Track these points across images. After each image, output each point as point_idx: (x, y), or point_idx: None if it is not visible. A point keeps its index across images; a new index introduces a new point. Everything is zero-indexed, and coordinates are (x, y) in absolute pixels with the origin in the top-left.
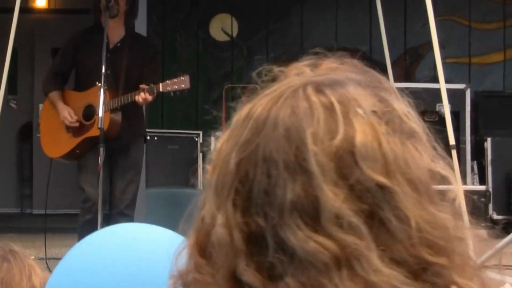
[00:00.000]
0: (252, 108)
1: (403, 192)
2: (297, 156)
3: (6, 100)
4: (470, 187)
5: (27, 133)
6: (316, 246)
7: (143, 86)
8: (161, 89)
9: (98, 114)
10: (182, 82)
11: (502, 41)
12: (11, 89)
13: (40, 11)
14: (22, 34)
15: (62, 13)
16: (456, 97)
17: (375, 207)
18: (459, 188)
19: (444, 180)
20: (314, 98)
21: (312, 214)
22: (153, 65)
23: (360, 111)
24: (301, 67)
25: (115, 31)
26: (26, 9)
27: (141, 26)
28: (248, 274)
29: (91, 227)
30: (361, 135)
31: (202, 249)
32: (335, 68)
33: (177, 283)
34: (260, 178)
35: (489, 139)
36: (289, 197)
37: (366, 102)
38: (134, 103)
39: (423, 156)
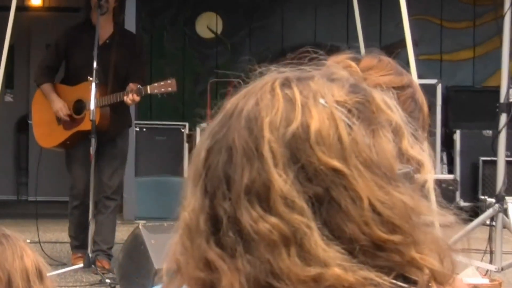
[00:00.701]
0: (226, 104)
1: (358, 174)
2: (254, 143)
3: (3, 94)
4: (439, 176)
5: (23, 125)
6: (267, 225)
7: (131, 86)
8: (148, 91)
9: (89, 109)
10: (169, 86)
11: (472, 40)
12: (8, 83)
13: (36, 9)
14: (19, 31)
15: (56, 11)
16: (427, 92)
17: (328, 189)
18: (431, 174)
19: (419, 164)
20: (278, 90)
21: (264, 197)
22: (139, 61)
23: (322, 101)
24: (281, 67)
25: (104, 29)
26: (22, 7)
27: (130, 23)
28: (210, 253)
29: (79, 212)
30: (317, 123)
31: (184, 232)
32: (317, 65)
33: (171, 264)
34: (222, 164)
35: (458, 131)
36: (245, 181)
37: (331, 93)
38: (122, 101)
39: (391, 142)
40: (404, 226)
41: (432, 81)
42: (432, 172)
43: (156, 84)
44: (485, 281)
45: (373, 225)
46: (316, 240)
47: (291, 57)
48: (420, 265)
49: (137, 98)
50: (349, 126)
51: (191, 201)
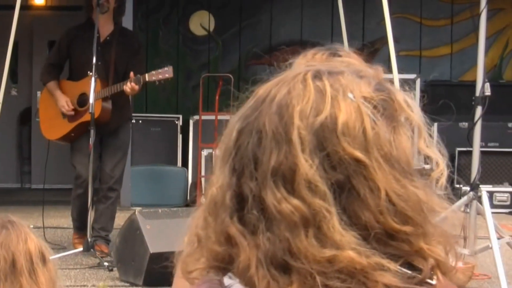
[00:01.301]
0: (258, 90)
1: (378, 166)
2: (284, 128)
3: (8, 88)
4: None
5: (26, 118)
6: (289, 206)
7: (131, 75)
8: (147, 79)
9: (98, 101)
10: (166, 72)
11: (449, 37)
12: (12, 78)
13: (38, 8)
14: (22, 29)
15: (58, 10)
16: (407, 86)
17: (349, 177)
18: (444, 170)
19: (432, 162)
20: (310, 81)
21: (289, 179)
22: (138, 57)
23: (350, 95)
24: (310, 58)
25: (105, 27)
26: (26, 6)
27: (127, 22)
28: (232, 228)
29: (81, 200)
30: (345, 115)
31: (209, 207)
32: (345, 60)
33: (192, 237)
34: (252, 146)
35: (435, 124)
36: (272, 163)
37: (359, 89)
38: (122, 92)
39: (409, 140)
40: (416, 218)
41: (412, 76)
42: (446, 171)
43: (154, 72)
44: (459, 264)
45: (387, 215)
46: (334, 224)
47: (282, 51)
48: (426, 255)
49: (135, 87)
50: (374, 121)
51: (219, 178)
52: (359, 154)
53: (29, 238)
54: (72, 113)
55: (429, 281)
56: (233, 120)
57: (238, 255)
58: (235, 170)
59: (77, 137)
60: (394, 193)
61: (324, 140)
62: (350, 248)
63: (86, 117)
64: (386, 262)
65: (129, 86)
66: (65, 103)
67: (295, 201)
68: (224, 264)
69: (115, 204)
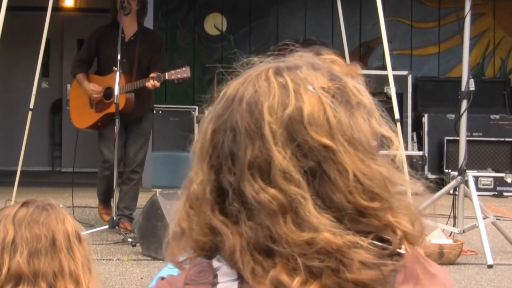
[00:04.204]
0: (226, 90)
1: (344, 150)
2: (256, 124)
3: (40, 81)
4: (410, 152)
5: (57, 107)
6: (267, 196)
7: (152, 74)
8: (167, 78)
9: (123, 94)
10: (184, 72)
11: (437, 37)
12: (44, 72)
13: (68, 9)
14: (54, 28)
15: (86, 11)
16: (400, 81)
17: (319, 163)
18: (401, 148)
19: (387, 139)
20: (272, 78)
21: (265, 170)
22: (160, 54)
23: (310, 87)
24: (267, 58)
25: (129, 27)
26: (57, 8)
27: (148, 22)
28: (214, 220)
29: (107, 181)
30: (309, 106)
31: (191, 203)
32: (299, 56)
33: (175, 228)
34: (228, 143)
35: (426, 115)
36: (248, 157)
37: (316, 81)
38: (145, 87)
39: (367, 122)
40: (382, 194)
41: (404, 73)
42: (400, 147)
43: (173, 71)
44: (449, 241)
45: (356, 194)
46: (310, 209)
47: (273, 49)
48: (394, 227)
49: (157, 84)
50: (334, 109)
51: (198, 175)
52: (326, 141)
53: (66, 220)
54: (100, 98)
55: (399, 251)
56: (206, 120)
57: (223, 243)
58: (213, 166)
59: (103, 126)
60: (361, 172)
61: (294, 132)
62: (325, 230)
63: (112, 109)
64: (359, 240)
65: (151, 83)
66: (93, 87)
67: (272, 191)
68: (210, 253)
69: (137, 185)
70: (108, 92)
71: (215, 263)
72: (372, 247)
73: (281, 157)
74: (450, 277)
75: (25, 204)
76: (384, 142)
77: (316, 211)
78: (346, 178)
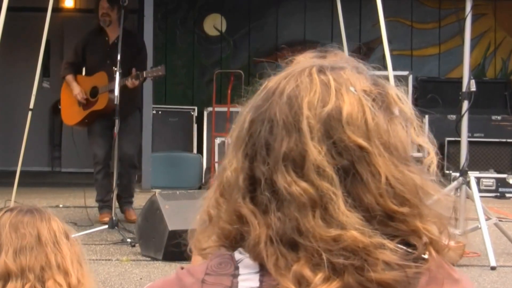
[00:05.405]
0: (268, 83)
1: (378, 153)
2: (294, 118)
3: (41, 81)
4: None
5: (57, 108)
6: (298, 189)
7: (132, 73)
8: (144, 75)
9: (101, 93)
10: (159, 71)
11: (437, 38)
12: (45, 72)
13: (68, 10)
14: (54, 29)
15: (85, 12)
16: (400, 82)
17: (353, 163)
18: (434, 157)
19: (424, 150)
20: (315, 76)
21: (299, 164)
22: (140, 55)
23: (352, 89)
24: (311, 56)
25: (112, 32)
26: (57, 9)
27: (148, 23)
28: (244, 208)
29: (102, 176)
30: (349, 106)
31: (222, 190)
32: (341, 57)
33: (203, 216)
34: (264, 134)
35: (426, 116)
36: (283, 149)
37: (359, 83)
38: (126, 85)
39: (405, 130)
40: (412, 200)
41: (404, 73)
42: (435, 158)
43: (149, 70)
44: (451, 243)
45: (387, 197)
46: (340, 206)
47: (319, 50)
48: (421, 233)
49: (136, 82)
50: (373, 112)
51: (232, 162)
52: (362, 142)
53: (52, 219)
54: (84, 101)
55: (423, 256)
56: (245, 110)
57: (248, 233)
58: (247, 155)
59: (90, 123)
60: (393, 177)
61: (331, 129)
62: (354, 228)
63: (97, 106)
64: (386, 242)
65: (130, 82)
66: (79, 92)
67: (304, 184)
68: (234, 243)
69: (135, 176)
70: (93, 91)
71: (237, 255)
72: (398, 249)
73: (316, 152)
74: (473, 284)
75: (9, 210)
76: (421, 152)
77: (346, 209)
78: (378, 180)
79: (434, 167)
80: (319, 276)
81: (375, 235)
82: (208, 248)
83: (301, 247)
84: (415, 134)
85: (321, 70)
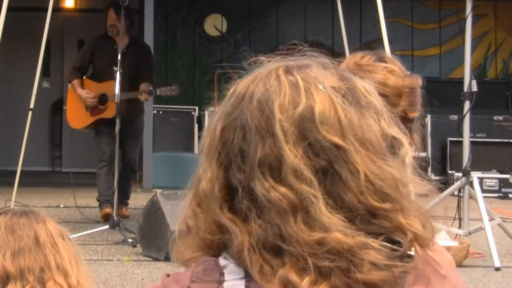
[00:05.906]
0: (236, 87)
1: (355, 150)
2: (266, 122)
3: (41, 81)
4: (413, 154)
5: (58, 107)
6: (277, 194)
7: (144, 87)
8: (158, 93)
9: (111, 101)
10: (173, 90)
11: (438, 39)
12: (45, 72)
13: (68, 10)
14: (54, 28)
15: (85, 11)
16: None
17: (331, 162)
18: (408, 148)
19: (397, 141)
20: (283, 77)
21: (276, 169)
22: (148, 64)
23: (320, 86)
24: (275, 56)
25: (122, 40)
26: (57, 8)
27: (149, 24)
28: (223, 217)
29: (105, 170)
30: (320, 105)
31: (199, 201)
32: (307, 56)
33: (181, 226)
34: (237, 141)
35: (428, 116)
36: (258, 155)
37: (327, 80)
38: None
39: (377, 122)
40: (393, 195)
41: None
42: (410, 149)
43: (163, 88)
44: (455, 243)
45: (367, 194)
46: (321, 208)
47: (282, 48)
48: (405, 229)
49: (148, 97)
50: (345, 108)
51: (207, 172)
52: (338, 140)
53: (47, 221)
54: (94, 104)
55: (409, 253)
56: (215, 118)
57: (231, 241)
58: (222, 164)
59: (96, 127)
60: (372, 173)
61: (305, 130)
62: (337, 230)
63: (105, 114)
64: (370, 241)
65: (143, 97)
66: (86, 94)
67: (283, 189)
68: (218, 251)
69: (133, 179)
70: (102, 99)
71: (222, 261)
72: (383, 249)
73: (293, 156)
74: (461, 279)
75: (3, 212)
76: (394, 144)
77: (327, 210)
78: (357, 178)
79: (409, 158)
80: (306, 280)
81: (358, 235)
82: (191, 259)
83: (285, 252)
84: (386, 125)
85: (288, 71)
